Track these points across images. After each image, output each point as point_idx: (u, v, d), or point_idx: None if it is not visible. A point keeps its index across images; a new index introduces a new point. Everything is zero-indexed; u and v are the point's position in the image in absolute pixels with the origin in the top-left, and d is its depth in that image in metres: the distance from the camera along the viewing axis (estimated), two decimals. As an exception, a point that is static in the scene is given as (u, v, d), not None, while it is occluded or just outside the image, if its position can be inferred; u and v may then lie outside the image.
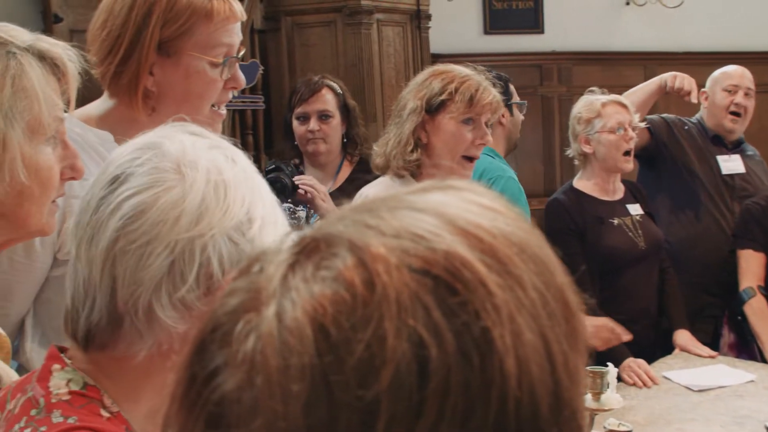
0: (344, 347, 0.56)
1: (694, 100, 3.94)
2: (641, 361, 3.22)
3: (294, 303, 0.58)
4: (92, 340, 1.12)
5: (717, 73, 4.17)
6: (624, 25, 7.23)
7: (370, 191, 2.72)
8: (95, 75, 1.88)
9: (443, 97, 2.64)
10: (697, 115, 4.17)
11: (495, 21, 7.02)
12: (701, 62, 7.09)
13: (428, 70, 2.78)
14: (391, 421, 0.56)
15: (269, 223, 1.15)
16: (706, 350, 3.48)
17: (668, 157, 3.99)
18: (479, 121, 2.67)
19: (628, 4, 7.22)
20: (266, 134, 5.56)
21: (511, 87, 3.60)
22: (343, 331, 0.56)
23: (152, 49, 1.82)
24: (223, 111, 1.97)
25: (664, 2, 7.10)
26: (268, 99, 5.52)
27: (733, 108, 4.01)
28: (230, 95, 1.98)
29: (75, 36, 4.86)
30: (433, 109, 2.65)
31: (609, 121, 3.46)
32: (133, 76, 1.84)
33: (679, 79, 3.97)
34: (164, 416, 0.64)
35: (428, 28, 5.91)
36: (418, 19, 5.81)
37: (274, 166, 3.33)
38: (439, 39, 6.05)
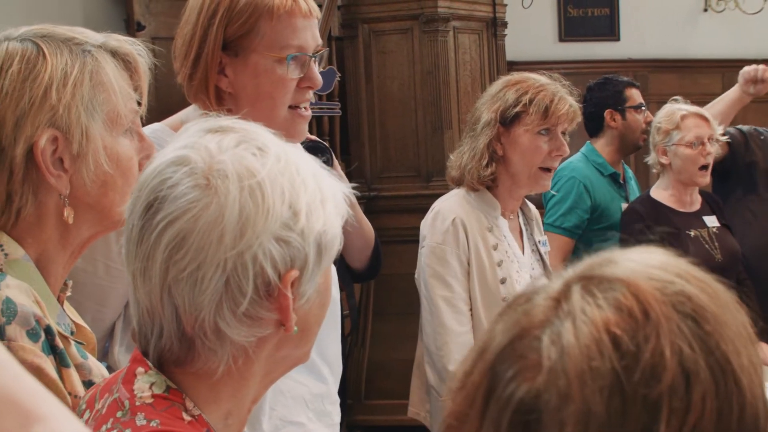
0: (634, 355, 0.73)
1: None
2: None
3: (587, 323, 0.75)
4: (166, 361, 1.14)
5: None
6: (701, 31, 7.16)
7: (443, 204, 2.72)
8: (179, 82, 1.93)
9: (518, 109, 2.62)
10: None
11: (570, 28, 7.02)
12: (781, 69, 7.00)
13: (502, 80, 2.76)
14: (671, 415, 0.72)
15: (316, 207, 1.12)
16: None
17: (743, 169, 3.94)
18: (555, 132, 2.66)
19: (706, 10, 7.15)
20: (342, 140, 5.64)
21: (629, 93, 4.07)
22: (633, 343, 0.73)
23: (217, 48, 1.84)
24: (308, 112, 1.97)
25: (743, 8, 7.01)
26: (345, 106, 5.59)
27: None
28: (310, 95, 1.96)
29: (157, 43, 4.99)
30: (507, 121, 2.64)
31: (687, 134, 3.44)
32: (202, 77, 1.86)
33: (750, 72, 3.97)
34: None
35: (504, 35, 5.91)
36: (494, 26, 5.83)
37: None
38: (514, 46, 6.06)
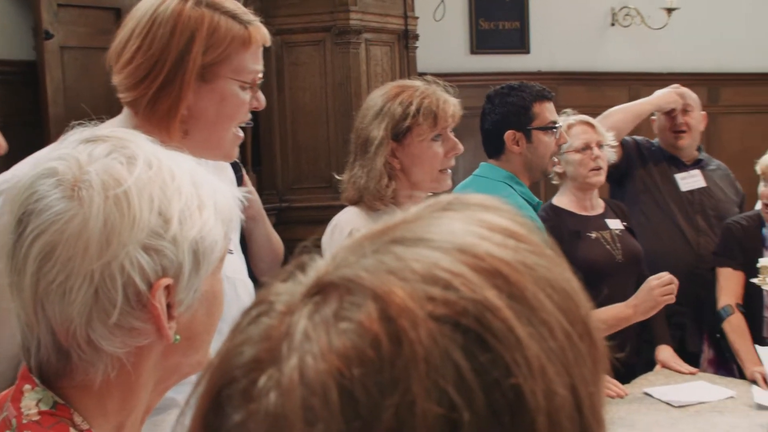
0: (372, 413, 0.53)
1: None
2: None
3: (316, 358, 0.54)
4: (46, 374, 1.12)
5: None
6: (609, 45, 7.30)
7: (342, 217, 2.67)
8: (123, 99, 1.87)
9: (408, 122, 2.58)
10: (656, 139, 4.31)
11: (482, 41, 7.09)
12: (685, 83, 7.16)
13: (381, 93, 2.67)
14: None
15: (192, 213, 1.11)
16: (687, 367, 3.55)
17: (636, 175, 4.09)
18: (446, 134, 2.64)
19: (613, 25, 7.29)
20: (254, 151, 5.60)
21: (538, 108, 3.19)
22: (371, 396, 0.53)
23: (195, 74, 1.83)
24: (241, 133, 1.99)
25: (648, 24, 7.18)
26: (256, 117, 5.54)
27: (674, 128, 4.16)
28: (249, 116, 2.00)
29: (66, 52, 4.90)
30: (399, 136, 2.60)
31: (575, 141, 3.52)
32: (173, 101, 1.83)
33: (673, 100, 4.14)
34: None
35: (415, 47, 5.95)
36: (406, 38, 5.86)
37: None
38: (426, 58, 6.11)
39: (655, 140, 4.29)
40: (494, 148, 3.23)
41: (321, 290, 0.58)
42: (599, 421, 0.61)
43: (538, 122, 3.18)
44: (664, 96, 4.20)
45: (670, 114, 4.18)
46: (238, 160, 2.82)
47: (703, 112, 4.29)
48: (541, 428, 0.55)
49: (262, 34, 1.92)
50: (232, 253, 2.09)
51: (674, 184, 4.14)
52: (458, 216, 0.64)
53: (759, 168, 3.64)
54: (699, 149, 4.30)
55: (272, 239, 2.91)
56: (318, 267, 0.61)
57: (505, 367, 0.55)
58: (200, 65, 1.83)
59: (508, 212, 0.66)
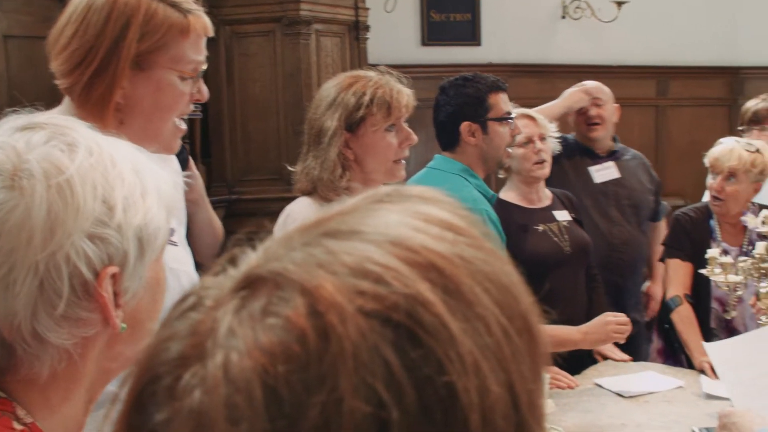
0: (298, 412, 0.51)
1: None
2: (553, 367, 3.27)
3: (241, 355, 0.52)
4: None
5: None
6: (560, 38, 7.33)
7: (294, 207, 2.65)
8: (60, 86, 1.84)
9: (361, 112, 2.56)
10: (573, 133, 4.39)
11: (433, 32, 7.08)
12: (635, 76, 7.26)
13: (334, 84, 2.66)
14: None
15: (135, 200, 1.09)
16: (621, 354, 3.62)
17: (551, 171, 4.13)
18: (400, 125, 2.63)
19: (563, 17, 7.32)
20: (203, 143, 5.54)
21: (493, 99, 3.18)
22: (296, 394, 0.51)
23: (128, 62, 1.79)
24: (183, 125, 1.95)
25: (598, 16, 7.22)
26: (206, 108, 5.49)
27: (587, 120, 4.27)
28: (191, 107, 1.96)
29: (9, 41, 4.80)
30: (353, 126, 2.58)
31: (518, 135, 3.52)
32: (106, 88, 1.80)
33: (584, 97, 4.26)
34: None
35: (366, 39, 5.93)
36: (357, 30, 5.83)
37: None
38: (377, 50, 6.08)
39: (570, 135, 4.37)
40: (449, 140, 3.22)
41: (249, 285, 0.57)
42: (538, 418, 0.59)
43: (493, 113, 3.17)
44: (572, 96, 4.28)
45: (581, 109, 4.29)
46: (184, 146, 2.79)
47: (616, 105, 4.38)
48: (475, 426, 0.53)
49: (202, 23, 1.88)
50: (176, 245, 2.06)
51: (588, 177, 4.24)
52: (395, 208, 0.62)
53: (707, 160, 3.67)
54: (614, 140, 4.40)
55: (213, 222, 2.89)
56: (249, 261, 0.60)
57: (437, 363, 0.53)
58: (135, 53, 1.80)
59: (449, 204, 0.64)
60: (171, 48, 1.83)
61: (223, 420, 0.51)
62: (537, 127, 3.58)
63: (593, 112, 4.28)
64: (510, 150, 3.31)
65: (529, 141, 3.53)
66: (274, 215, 2.70)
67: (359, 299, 0.54)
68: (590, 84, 4.40)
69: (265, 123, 5.56)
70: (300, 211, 2.61)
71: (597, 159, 4.31)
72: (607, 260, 4.09)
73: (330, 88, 2.65)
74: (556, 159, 4.07)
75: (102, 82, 1.79)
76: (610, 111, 4.34)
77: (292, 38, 5.52)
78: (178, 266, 2.00)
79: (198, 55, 1.89)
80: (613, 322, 3.17)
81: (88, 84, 1.80)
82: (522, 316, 0.60)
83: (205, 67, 1.94)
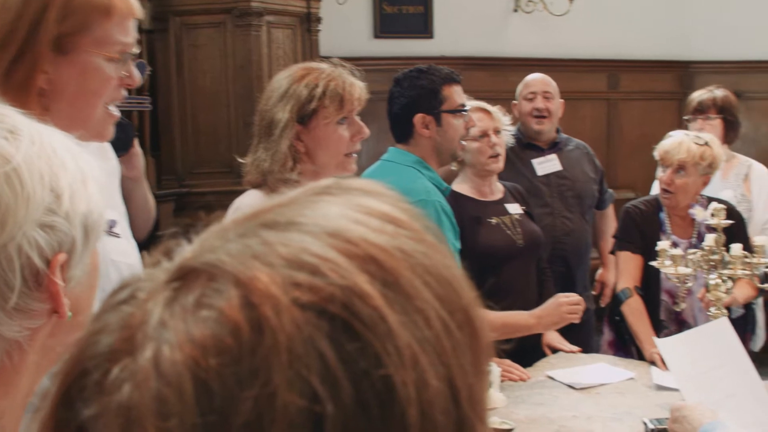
0: (229, 406, 0.49)
1: None
2: (505, 360, 3.28)
3: (172, 348, 0.51)
4: None
5: (520, 84, 4.51)
6: (512, 31, 7.35)
7: (244, 200, 2.60)
8: None
9: (313, 104, 2.53)
10: (517, 126, 4.40)
11: (385, 25, 7.06)
12: (586, 69, 7.30)
13: (286, 75, 2.61)
14: None
15: (78, 188, 1.07)
16: (570, 346, 3.66)
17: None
18: (352, 118, 2.59)
19: (516, 11, 7.33)
20: (152, 135, 5.47)
21: (447, 91, 3.18)
22: (228, 387, 0.50)
23: (48, 44, 1.72)
24: (116, 111, 1.89)
25: (550, 10, 7.24)
26: (155, 100, 5.43)
27: (535, 113, 4.33)
28: (124, 93, 1.89)
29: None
30: (305, 119, 2.54)
31: (473, 128, 3.51)
32: (28, 73, 1.73)
33: None
34: None
35: (318, 31, 5.90)
36: (308, 21, 5.80)
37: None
38: (329, 42, 6.06)
39: (514, 128, 4.38)
40: (403, 133, 3.21)
41: (182, 276, 0.55)
42: (479, 413, 0.58)
43: (447, 105, 3.16)
44: None
45: (531, 100, 4.34)
46: (129, 120, 2.74)
47: (561, 100, 4.44)
48: (413, 421, 0.52)
49: (127, 3, 1.81)
50: (119, 237, 2.02)
51: (532, 169, 4.28)
52: (335, 200, 0.61)
53: (657, 153, 3.70)
54: (557, 131, 4.45)
55: (149, 200, 2.86)
56: (183, 253, 0.58)
57: (374, 356, 0.52)
58: (56, 35, 1.73)
59: (390, 197, 0.63)
60: (94, 29, 1.76)
61: (153, 415, 0.50)
62: (492, 121, 3.57)
63: (542, 104, 4.32)
64: (464, 142, 3.30)
65: (484, 134, 3.53)
66: (225, 208, 2.65)
67: (295, 291, 0.52)
68: (537, 77, 4.47)
69: (215, 115, 5.51)
70: (249, 204, 2.57)
71: (540, 152, 4.36)
72: (552, 252, 4.13)
73: (282, 79, 2.61)
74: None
75: (22, 66, 1.72)
76: (557, 105, 4.39)
77: (243, 29, 5.47)
78: (122, 258, 1.97)
79: (125, 37, 1.81)
80: (566, 302, 3.18)
81: (8, 69, 1.73)
82: (463, 310, 0.59)
83: (135, 50, 1.86)
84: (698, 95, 4.43)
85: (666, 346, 2.47)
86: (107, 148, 2.17)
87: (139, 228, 2.40)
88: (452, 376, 0.55)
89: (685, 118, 4.47)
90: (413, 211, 0.63)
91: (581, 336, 3.93)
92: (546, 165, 4.32)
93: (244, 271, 0.53)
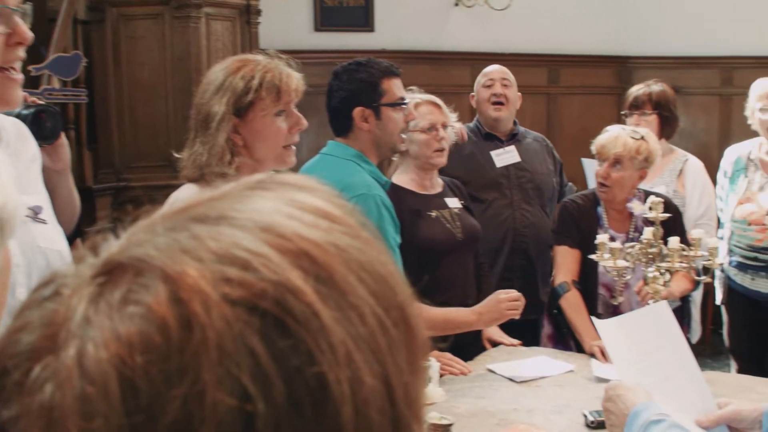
0: (157, 405, 0.48)
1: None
2: (446, 354, 3.28)
3: (97, 346, 0.49)
4: None
5: (479, 76, 4.52)
6: (452, 25, 7.36)
7: (180, 194, 2.50)
8: None
9: (250, 96, 2.49)
10: (475, 119, 4.43)
11: (326, 18, 7.02)
12: (526, 64, 7.33)
13: (222, 68, 2.57)
14: None
15: None
16: (510, 339, 3.66)
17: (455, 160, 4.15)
18: (290, 109, 2.56)
19: (456, 5, 7.34)
20: (89, 129, 5.38)
21: (387, 85, 3.14)
22: (155, 386, 0.48)
23: None
24: (20, 75, 1.80)
25: (491, 4, 7.27)
26: (92, 92, 5.33)
27: (493, 99, 4.33)
28: (22, 53, 1.80)
29: None
30: (242, 111, 2.51)
31: (422, 120, 3.51)
32: None
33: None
34: None
35: (258, 23, 5.84)
36: (248, 14, 5.74)
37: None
38: (269, 35, 6.00)
39: (471, 123, 4.44)
40: (342, 126, 3.18)
41: (108, 272, 0.53)
42: (415, 411, 0.57)
43: (386, 98, 3.13)
44: None
45: (489, 87, 4.35)
46: (54, 107, 2.66)
47: (519, 93, 4.46)
48: (347, 420, 0.51)
49: None
50: (46, 223, 1.97)
51: (491, 162, 4.29)
52: (269, 195, 0.59)
53: (594, 147, 3.73)
54: (515, 123, 4.47)
55: (73, 196, 2.78)
56: (110, 248, 0.56)
57: (307, 353, 0.51)
58: None
59: (324, 193, 0.62)
60: None
61: (76, 415, 0.48)
62: (441, 115, 3.58)
63: (500, 90, 4.33)
64: (410, 134, 3.29)
65: (433, 128, 3.53)
66: (162, 202, 2.60)
67: (225, 286, 0.51)
68: (495, 67, 4.48)
69: (153, 108, 5.44)
70: (186, 198, 2.52)
71: (498, 143, 4.36)
72: (512, 244, 4.16)
73: (217, 72, 2.57)
74: (456, 145, 4.10)
75: None
76: (515, 94, 4.41)
77: (182, 21, 5.40)
78: (49, 245, 1.92)
79: None
80: (506, 299, 3.19)
81: None
82: (398, 307, 0.58)
83: (14, 5, 1.77)
84: (635, 90, 4.48)
85: (605, 327, 2.49)
86: (27, 135, 2.10)
87: (63, 224, 2.33)
88: (388, 374, 0.54)
89: (623, 113, 4.51)
90: (348, 207, 0.62)
91: (537, 327, 3.97)
92: (505, 156, 4.32)
93: (172, 265, 0.52)
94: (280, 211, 0.57)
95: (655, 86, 4.46)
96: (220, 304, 0.50)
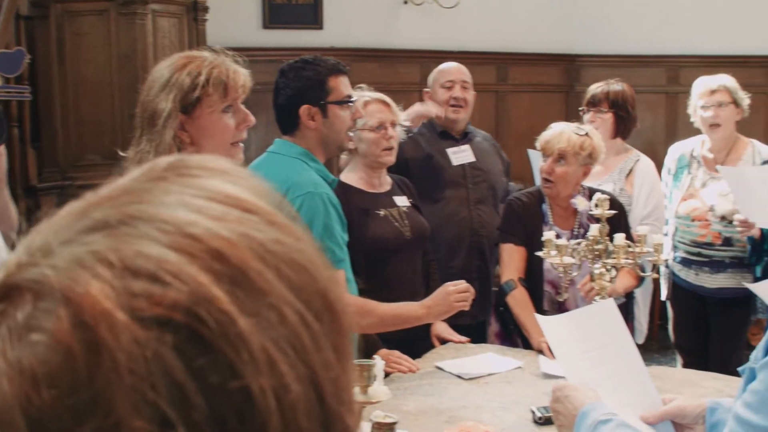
0: None
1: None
2: (394, 351, 3.28)
3: (0, 380, 0.45)
4: None
5: (435, 71, 4.51)
6: (402, 23, 7.36)
7: None
8: None
9: (197, 93, 2.45)
10: (418, 127, 4.39)
11: (274, 15, 6.97)
12: (475, 62, 7.33)
13: (167, 65, 2.53)
14: None
15: None
16: (459, 337, 3.67)
17: (409, 156, 4.14)
18: (237, 106, 2.54)
19: (405, 2, 7.34)
20: (33, 126, 5.29)
21: (333, 82, 3.12)
22: (65, 424, 0.44)
23: None
24: None
25: (440, 2, 7.27)
26: (36, 89, 5.25)
27: (452, 102, 4.33)
28: None
29: None
30: (189, 108, 2.47)
31: (371, 119, 3.51)
32: None
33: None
34: None
35: (205, 20, 5.79)
36: (195, 10, 5.68)
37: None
38: (216, 32, 5.94)
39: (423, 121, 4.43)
40: (289, 124, 3.16)
41: (7, 295, 0.49)
42: (347, 405, 0.55)
43: (333, 96, 3.11)
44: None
45: (448, 89, 4.33)
46: (2, 110, 2.60)
47: (474, 92, 4.49)
48: (275, 429, 0.49)
49: None
50: None
51: (447, 160, 4.29)
52: (174, 187, 0.55)
53: (539, 143, 3.75)
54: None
55: (10, 207, 2.74)
56: (8, 265, 0.51)
57: (227, 366, 0.47)
58: None
59: (235, 176, 0.58)
60: None
61: None
62: (390, 114, 3.58)
63: (460, 94, 4.34)
64: (351, 134, 3.28)
65: (382, 126, 3.52)
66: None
67: (131, 303, 0.47)
68: (453, 66, 4.49)
69: (99, 106, 5.36)
70: (84, 198, 2.49)
71: (453, 141, 4.36)
72: (470, 243, 4.18)
73: (163, 68, 2.53)
74: (415, 142, 4.09)
75: None
76: (472, 95, 4.44)
77: (128, 18, 5.33)
78: None
79: None
80: (454, 291, 3.19)
81: None
82: (321, 295, 0.55)
83: None
84: (594, 88, 4.51)
85: (548, 324, 2.50)
86: None
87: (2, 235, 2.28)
88: (315, 373, 0.52)
89: (580, 109, 4.54)
90: (262, 189, 0.58)
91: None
92: (460, 155, 4.33)
93: (71, 285, 0.48)
94: (186, 204, 0.53)
95: (615, 85, 4.49)
96: (129, 324, 0.47)
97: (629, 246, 3.24)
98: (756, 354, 1.54)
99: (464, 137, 4.41)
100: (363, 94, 3.55)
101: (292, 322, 0.52)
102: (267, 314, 0.50)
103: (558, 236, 3.45)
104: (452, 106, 4.32)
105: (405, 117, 3.88)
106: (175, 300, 0.48)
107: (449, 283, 3.24)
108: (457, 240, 4.17)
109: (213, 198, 0.54)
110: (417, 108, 4.30)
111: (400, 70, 6.99)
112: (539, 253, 3.32)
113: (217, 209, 0.53)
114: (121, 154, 2.61)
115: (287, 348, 0.50)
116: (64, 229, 0.52)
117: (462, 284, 3.22)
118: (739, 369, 1.84)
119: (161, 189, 0.55)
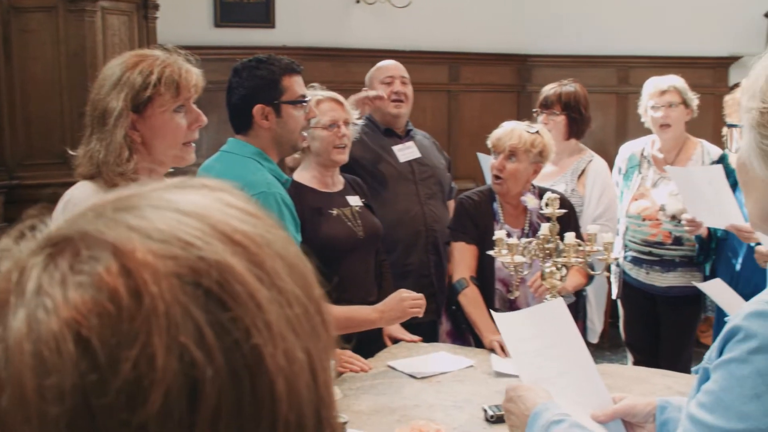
0: (109, 366, 0.50)
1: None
2: (346, 351, 3.28)
3: (48, 311, 0.51)
4: None
5: (372, 69, 4.50)
6: (354, 22, 7.36)
7: (75, 192, 2.50)
8: None
9: (149, 92, 2.44)
10: (366, 114, 4.36)
11: (226, 14, 6.94)
12: (427, 61, 7.38)
13: (119, 63, 2.52)
14: None
15: None
16: (410, 336, 3.68)
17: (357, 156, 4.14)
18: (189, 105, 2.54)
19: (358, 2, 7.35)
20: (-21, 127, 5.21)
21: (287, 82, 3.10)
22: (108, 347, 0.51)
23: None
24: None
25: (392, 2, 7.29)
26: (-19, 89, 5.17)
27: (394, 96, 4.32)
28: None
29: None
30: (140, 107, 2.46)
31: (323, 117, 3.51)
32: None
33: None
34: None
35: (156, 18, 5.74)
36: (145, 8, 5.63)
37: None
38: (167, 30, 5.88)
39: (362, 118, 4.40)
40: (242, 123, 3.13)
41: (55, 244, 0.56)
42: (331, 398, 0.62)
43: (287, 96, 3.09)
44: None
45: (389, 84, 4.32)
46: None
47: (411, 87, 4.46)
48: (280, 391, 0.56)
49: None
50: None
51: (394, 157, 4.30)
52: (197, 192, 0.63)
53: (490, 141, 3.77)
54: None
55: None
56: (59, 222, 0.59)
57: (245, 329, 0.55)
58: None
59: (240, 195, 0.66)
60: None
61: (31, 372, 0.51)
62: (343, 112, 3.57)
63: (401, 88, 4.33)
64: (305, 133, 3.27)
65: (334, 124, 3.51)
66: (57, 201, 2.54)
67: (172, 263, 0.55)
68: (391, 63, 4.47)
69: (47, 104, 5.29)
70: (80, 196, 2.47)
71: (397, 139, 4.37)
72: (425, 239, 4.18)
73: (114, 67, 2.51)
74: (361, 142, 4.09)
75: None
76: (412, 91, 4.42)
77: (77, 15, 5.26)
78: None
79: None
80: (408, 298, 3.20)
81: None
82: (315, 300, 0.63)
83: None
84: (547, 90, 4.54)
85: (504, 321, 2.51)
86: None
87: None
88: (311, 356, 0.59)
89: (533, 111, 4.57)
90: (263, 208, 0.66)
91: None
92: (406, 152, 4.33)
93: (121, 240, 0.55)
94: (211, 205, 0.61)
95: (568, 87, 4.51)
96: (169, 278, 0.54)
97: (579, 245, 3.27)
98: (710, 354, 1.55)
99: (407, 134, 4.42)
100: (315, 93, 3.54)
101: (297, 309, 0.59)
102: (279, 297, 0.58)
103: (509, 235, 3.47)
104: (393, 101, 4.31)
105: (352, 103, 3.87)
106: (207, 268, 0.56)
107: (402, 290, 3.25)
108: (412, 237, 4.17)
109: (230, 205, 0.63)
110: (358, 95, 4.28)
111: (353, 69, 6.97)
112: (491, 252, 3.34)
113: (236, 213, 0.62)
114: (71, 153, 2.58)
115: (293, 327, 0.58)
116: (115, 202, 0.60)
117: (415, 294, 3.24)
118: (693, 369, 1.85)
119: (188, 193, 0.63)
